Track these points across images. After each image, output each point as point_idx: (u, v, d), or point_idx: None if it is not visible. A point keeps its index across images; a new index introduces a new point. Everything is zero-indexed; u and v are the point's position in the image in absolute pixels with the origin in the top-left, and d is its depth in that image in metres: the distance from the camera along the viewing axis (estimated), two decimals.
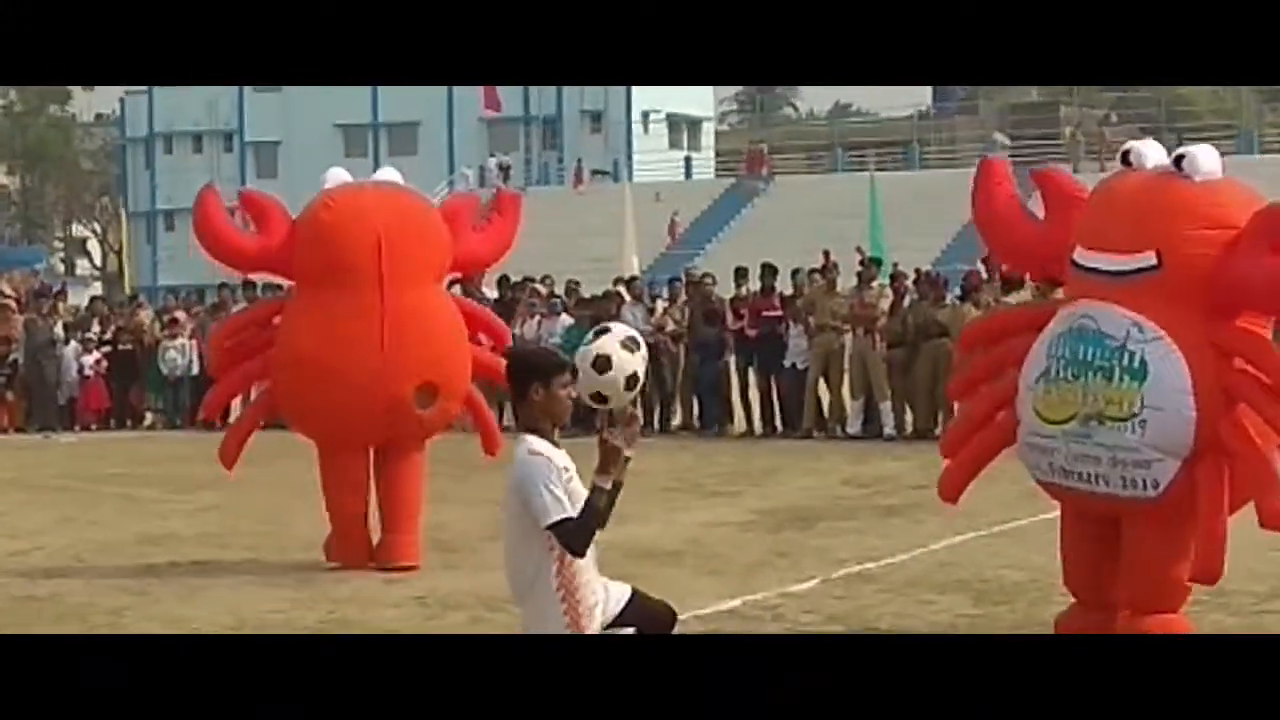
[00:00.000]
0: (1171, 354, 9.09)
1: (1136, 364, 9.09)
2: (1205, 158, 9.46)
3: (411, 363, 13.03)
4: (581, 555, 7.26)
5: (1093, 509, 9.60)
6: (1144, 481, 9.10)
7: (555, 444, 7.38)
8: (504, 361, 8.26)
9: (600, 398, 7.25)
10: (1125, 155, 9.74)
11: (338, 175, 13.73)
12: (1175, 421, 8.99)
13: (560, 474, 7.27)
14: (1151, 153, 9.70)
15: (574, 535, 7.16)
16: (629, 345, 7.28)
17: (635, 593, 7.67)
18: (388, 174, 14.01)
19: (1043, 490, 9.91)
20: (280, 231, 13.40)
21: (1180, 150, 9.64)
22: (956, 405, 10.62)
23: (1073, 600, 9.92)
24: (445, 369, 13.33)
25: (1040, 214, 10.17)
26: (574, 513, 7.15)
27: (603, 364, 7.20)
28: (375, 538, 13.35)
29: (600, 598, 7.49)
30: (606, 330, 7.38)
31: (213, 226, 13.57)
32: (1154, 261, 9.25)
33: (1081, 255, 9.56)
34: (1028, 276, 21.41)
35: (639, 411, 7.51)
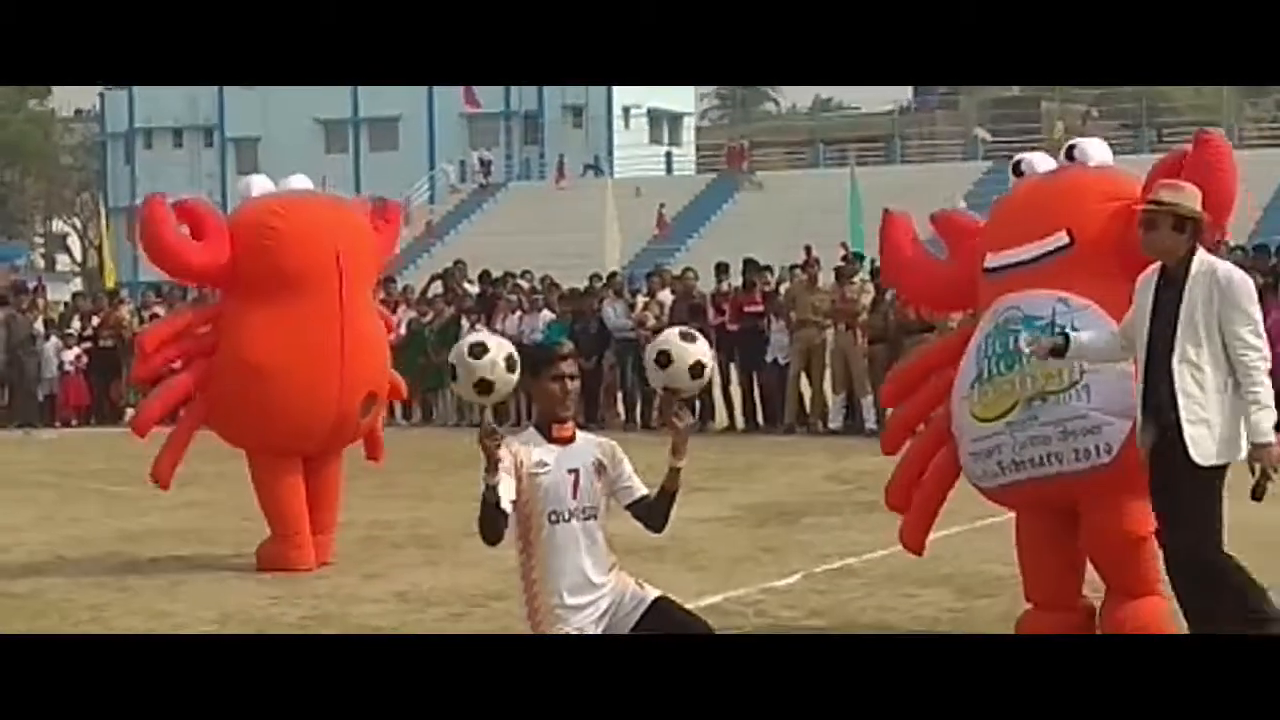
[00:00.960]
0: (1101, 317, 9.15)
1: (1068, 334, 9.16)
2: (1095, 148, 9.84)
3: (364, 373, 13.10)
4: (487, 543, 7.33)
5: (1047, 501, 9.55)
6: (1096, 448, 9.10)
7: (550, 436, 7.41)
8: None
9: (672, 390, 7.42)
10: (1016, 166, 10.09)
11: (263, 184, 13.65)
12: (1115, 378, 9.01)
13: (513, 468, 7.32)
14: (1040, 161, 10.04)
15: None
16: (687, 337, 7.47)
17: (661, 600, 7.55)
18: (300, 181, 13.74)
19: (992, 503, 9.96)
20: (222, 241, 13.06)
21: (1070, 142, 10.02)
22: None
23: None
24: (382, 378, 13.45)
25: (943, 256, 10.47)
26: (508, 505, 7.26)
27: (664, 359, 7.34)
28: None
29: (589, 600, 7.42)
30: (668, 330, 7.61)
31: (159, 236, 13.09)
32: (1066, 240, 9.42)
33: (992, 259, 9.71)
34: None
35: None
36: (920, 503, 10.08)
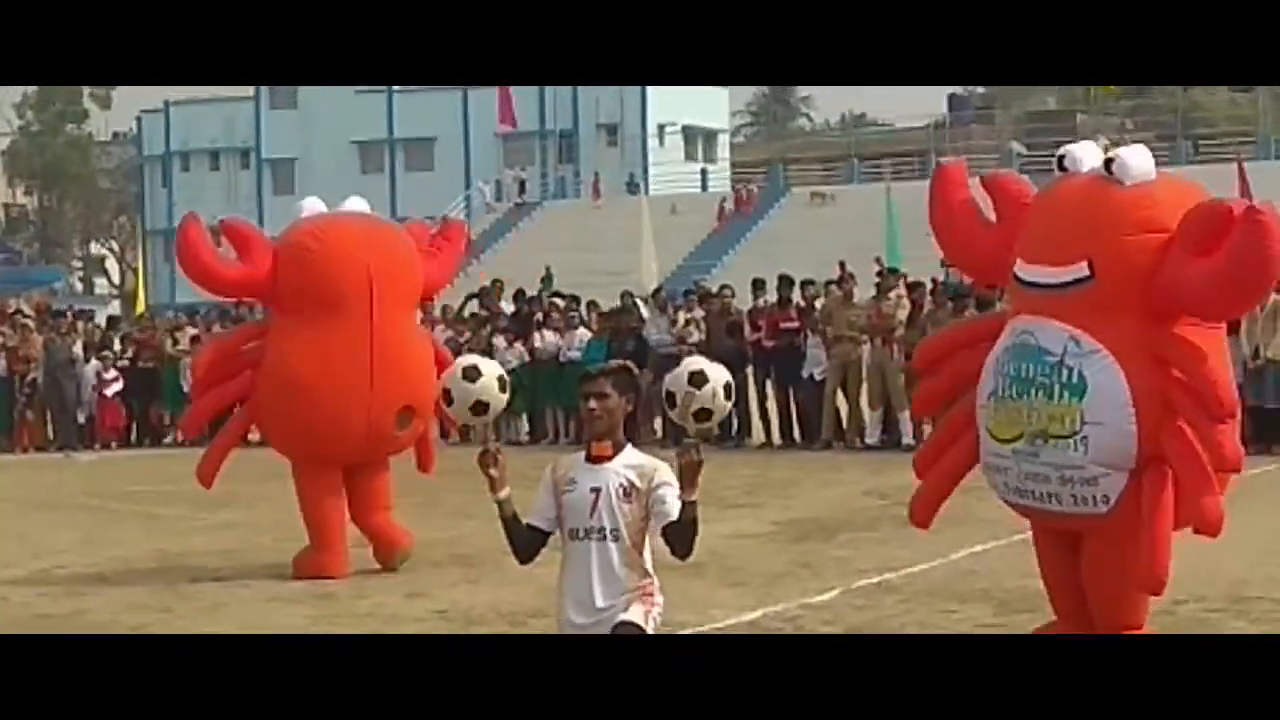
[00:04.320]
0: (1110, 367, 8.97)
1: (1075, 379, 8.97)
2: (1135, 160, 9.26)
3: (394, 389, 13.54)
4: (518, 560, 7.65)
5: (1052, 527, 9.55)
6: (1093, 498, 9.00)
7: (589, 455, 7.49)
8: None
9: (705, 413, 7.33)
10: (1060, 160, 9.59)
11: (313, 204, 14.17)
12: (1116, 436, 8.90)
13: (552, 484, 7.50)
14: (1087, 156, 9.51)
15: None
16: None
17: (618, 626, 7.45)
18: (356, 204, 14.34)
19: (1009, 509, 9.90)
20: (263, 259, 13.72)
21: (1111, 153, 9.43)
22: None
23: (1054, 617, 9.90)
24: (421, 393, 13.49)
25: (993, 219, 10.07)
26: (542, 522, 7.51)
27: (699, 379, 7.31)
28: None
29: (591, 622, 7.40)
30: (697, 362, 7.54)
31: (195, 255, 13.75)
32: (1086, 272, 9.10)
33: (1021, 268, 9.47)
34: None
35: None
36: (935, 480, 9.98)
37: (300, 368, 13.39)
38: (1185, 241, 8.89)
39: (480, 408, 7.57)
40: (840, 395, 23.49)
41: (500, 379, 7.58)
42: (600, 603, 7.39)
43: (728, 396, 7.39)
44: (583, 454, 7.53)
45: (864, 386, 23.25)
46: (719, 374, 7.36)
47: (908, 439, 22.48)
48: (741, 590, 12.30)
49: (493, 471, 7.46)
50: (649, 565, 7.46)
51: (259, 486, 17.48)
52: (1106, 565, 9.20)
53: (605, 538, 7.39)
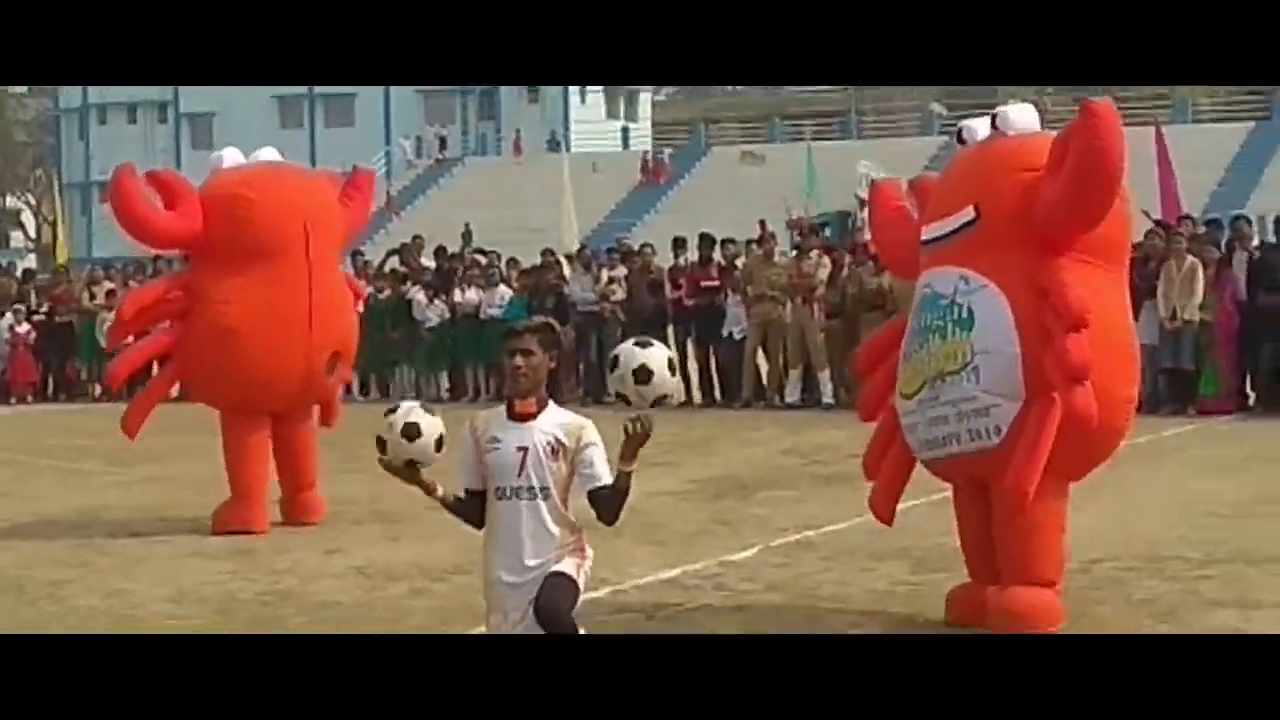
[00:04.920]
0: (995, 298, 9.26)
1: (964, 314, 9.28)
2: (1017, 114, 9.79)
3: (330, 333, 13.85)
4: (475, 528, 7.52)
5: (961, 478, 9.74)
6: (986, 430, 9.22)
7: (511, 413, 7.42)
8: None
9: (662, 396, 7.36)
10: (959, 134, 10.09)
11: (233, 155, 14.29)
12: (1002, 361, 9.14)
13: (474, 443, 7.44)
14: (981, 127, 9.94)
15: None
16: (644, 345, 7.45)
17: (549, 577, 7.36)
18: (269, 154, 14.40)
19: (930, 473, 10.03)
20: (194, 209, 13.76)
21: (993, 111, 9.96)
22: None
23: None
24: (348, 339, 14.17)
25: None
26: (475, 483, 7.42)
27: (644, 374, 7.27)
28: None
29: (522, 581, 7.32)
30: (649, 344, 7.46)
31: (130, 206, 13.83)
32: (972, 215, 9.48)
33: (924, 231, 9.85)
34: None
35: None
36: (887, 473, 10.12)
37: (238, 315, 13.47)
38: (1049, 166, 9.28)
39: (411, 465, 7.41)
40: (761, 354, 23.55)
41: (439, 439, 7.37)
42: (531, 561, 7.34)
43: (672, 372, 7.38)
44: (503, 410, 7.47)
45: (784, 345, 23.32)
46: (659, 357, 7.34)
47: (827, 398, 22.61)
48: (660, 549, 12.33)
49: (419, 481, 7.44)
50: (574, 520, 7.43)
51: (177, 441, 17.36)
52: (999, 508, 9.34)
53: (535, 496, 7.32)
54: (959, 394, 9.29)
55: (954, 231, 9.58)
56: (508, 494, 7.36)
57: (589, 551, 7.52)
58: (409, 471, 7.42)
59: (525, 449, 7.34)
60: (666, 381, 7.28)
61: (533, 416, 7.39)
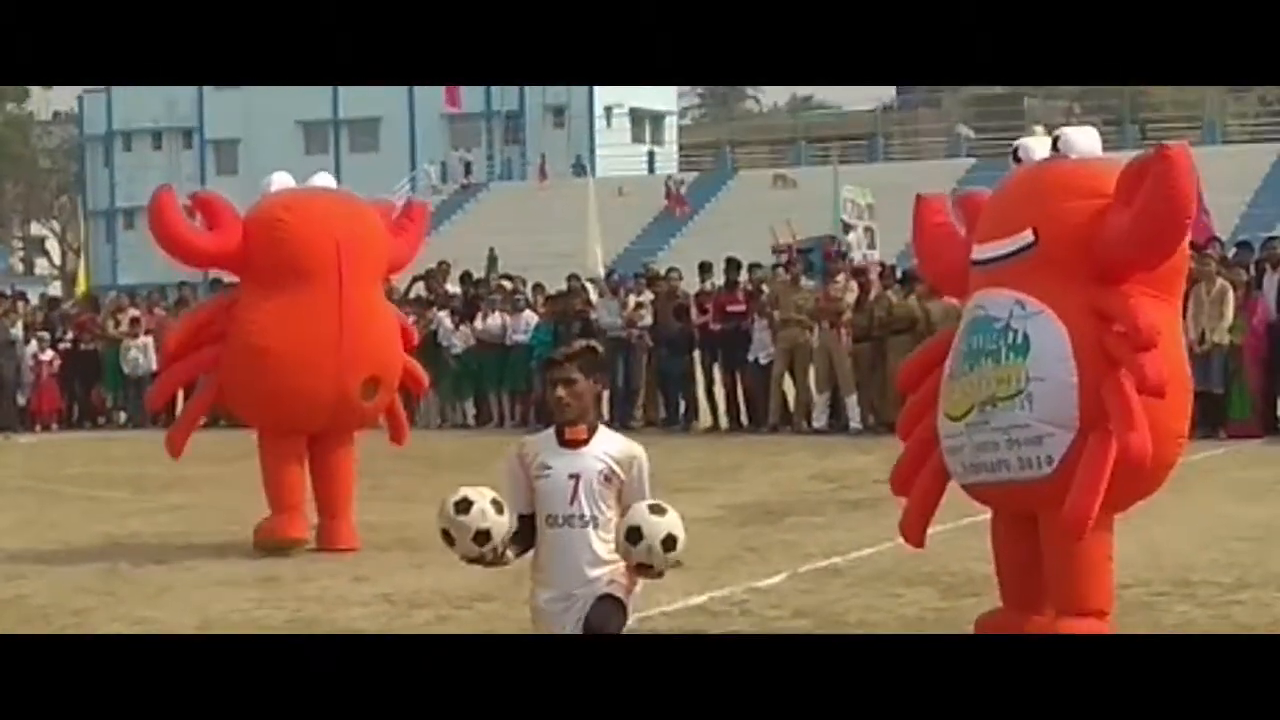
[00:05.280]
0: (1052, 324, 9.10)
1: (1020, 340, 9.12)
2: (1080, 137, 9.59)
3: (361, 358, 13.90)
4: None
5: (1006, 505, 9.59)
6: (1038, 459, 9.07)
7: (561, 439, 7.39)
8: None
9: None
10: (1015, 153, 9.85)
11: (282, 179, 14.46)
12: (1058, 390, 9.00)
13: (522, 471, 7.41)
14: (1038, 146, 9.79)
15: None
16: (657, 510, 7.28)
17: (598, 601, 7.36)
18: (324, 179, 14.82)
19: (969, 496, 9.91)
20: (233, 231, 14.06)
21: (1057, 131, 9.75)
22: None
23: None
24: (387, 364, 14.23)
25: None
26: (525, 509, 7.39)
27: (635, 535, 7.14)
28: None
29: (569, 606, 7.36)
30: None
31: (168, 225, 14.12)
32: (1031, 239, 9.30)
33: (976, 251, 9.66)
34: None
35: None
36: (918, 495, 9.95)
37: (269, 334, 13.71)
38: (1117, 197, 9.13)
39: (482, 536, 7.26)
40: (788, 379, 23.54)
41: (494, 501, 7.26)
42: (578, 589, 7.33)
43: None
44: (553, 435, 7.42)
45: (811, 370, 23.30)
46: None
47: (855, 423, 22.59)
48: (688, 575, 12.26)
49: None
50: None
51: (202, 469, 17.41)
52: (1052, 540, 9.21)
53: (587, 524, 7.29)
54: (1010, 421, 9.15)
55: (1010, 254, 9.41)
56: (559, 522, 7.31)
57: (639, 582, 7.47)
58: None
59: (577, 476, 7.30)
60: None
61: (584, 443, 7.35)
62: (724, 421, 24.22)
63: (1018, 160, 9.80)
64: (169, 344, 14.88)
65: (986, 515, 11.13)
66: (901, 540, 10.34)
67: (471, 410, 26.43)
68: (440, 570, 12.64)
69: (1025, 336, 9.10)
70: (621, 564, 7.34)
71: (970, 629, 9.97)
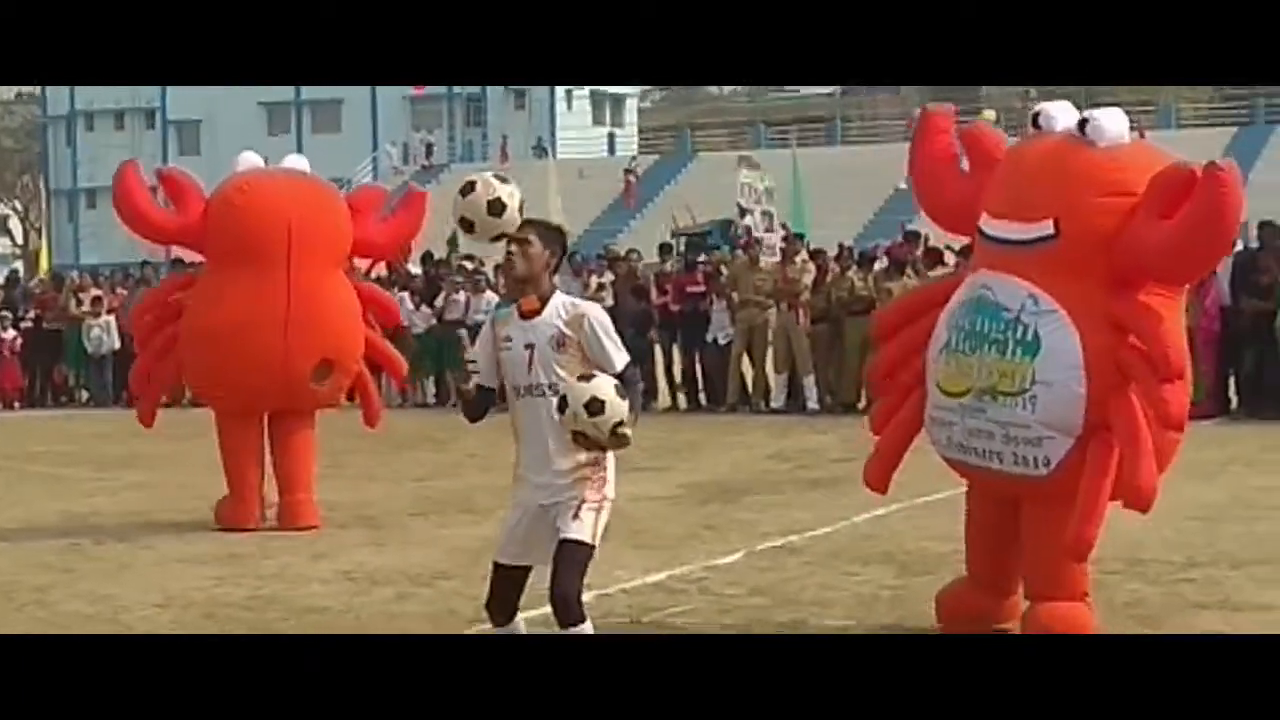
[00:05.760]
0: (1065, 328, 8.89)
1: (1029, 337, 8.90)
2: (1109, 122, 9.16)
3: (311, 342, 13.82)
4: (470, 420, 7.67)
5: (992, 488, 9.50)
6: (1035, 460, 8.94)
7: (520, 311, 7.46)
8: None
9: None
10: (1035, 118, 9.44)
11: (249, 159, 14.50)
12: (1065, 397, 8.84)
13: (491, 340, 7.51)
14: (1061, 115, 9.37)
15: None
16: (584, 378, 7.26)
17: (563, 545, 7.33)
18: (295, 161, 14.79)
19: (948, 466, 9.87)
20: (196, 210, 14.08)
21: (1085, 114, 9.30)
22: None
23: (964, 574, 9.85)
24: (341, 347, 14.06)
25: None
26: (487, 380, 7.50)
27: (597, 406, 7.09)
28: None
29: (545, 482, 7.39)
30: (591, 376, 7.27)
31: (132, 201, 14.15)
32: (1051, 230, 8.99)
33: (986, 223, 9.34)
34: (946, 256, 21.60)
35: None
36: (886, 444, 9.84)
37: (217, 315, 13.67)
38: (1149, 204, 8.82)
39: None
40: (746, 359, 23.56)
41: (521, 205, 7.43)
42: (558, 464, 7.35)
43: (621, 395, 7.16)
44: (511, 309, 7.49)
45: (770, 351, 23.33)
46: (604, 385, 7.16)
47: (812, 403, 22.63)
48: (647, 552, 12.32)
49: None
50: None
51: (163, 447, 17.36)
52: (1042, 532, 9.14)
53: (545, 393, 7.32)
54: (1010, 418, 8.99)
55: (1027, 241, 9.08)
56: (522, 392, 7.40)
57: (609, 476, 7.47)
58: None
59: (531, 346, 7.36)
60: (618, 406, 7.13)
61: (537, 313, 7.39)
62: (683, 401, 24.22)
63: (1037, 126, 9.40)
64: (134, 317, 14.91)
65: (942, 495, 11.14)
66: (856, 519, 10.37)
67: (432, 389, 26.40)
68: (400, 548, 12.67)
69: (1036, 335, 8.88)
70: (595, 468, 7.38)
71: (926, 606, 10.00)
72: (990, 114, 60.66)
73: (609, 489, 7.47)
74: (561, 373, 7.31)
